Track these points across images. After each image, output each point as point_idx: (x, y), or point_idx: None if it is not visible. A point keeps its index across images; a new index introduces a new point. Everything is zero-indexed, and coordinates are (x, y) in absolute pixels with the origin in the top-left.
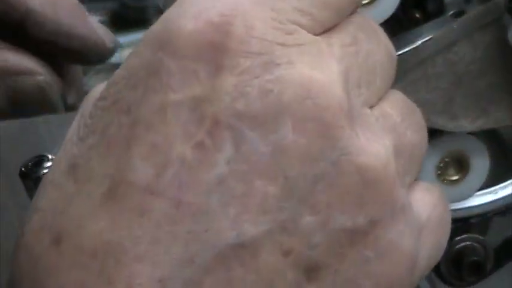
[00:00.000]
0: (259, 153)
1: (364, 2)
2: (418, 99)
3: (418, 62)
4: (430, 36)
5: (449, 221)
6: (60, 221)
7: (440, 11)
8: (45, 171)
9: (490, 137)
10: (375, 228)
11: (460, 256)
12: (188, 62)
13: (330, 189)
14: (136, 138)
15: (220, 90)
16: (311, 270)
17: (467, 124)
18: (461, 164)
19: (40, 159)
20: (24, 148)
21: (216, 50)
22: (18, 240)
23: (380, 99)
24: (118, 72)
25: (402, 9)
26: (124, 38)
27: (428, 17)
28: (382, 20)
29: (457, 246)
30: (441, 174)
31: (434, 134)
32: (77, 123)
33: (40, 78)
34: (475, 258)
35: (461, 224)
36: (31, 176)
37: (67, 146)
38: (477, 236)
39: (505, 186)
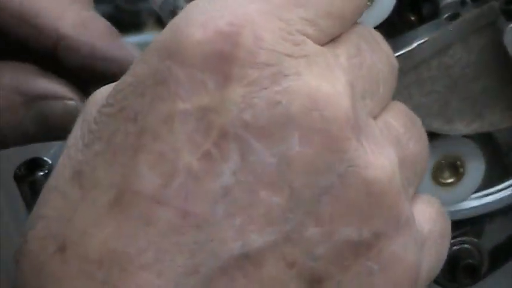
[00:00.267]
0: (265, 164)
1: None
2: (413, 103)
3: (413, 65)
4: (425, 39)
5: (450, 233)
6: (65, 228)
7: (435, 13)
8: (40, 173)
9: (485, 140)
10: (379, 241)
11: (455, 259)
12: (196, 71)
13: (335, 201)
14: (143, 147)
15: (228, 100)
16: (314, 282)
17: (462, 127)
18: (456, 167)
19: (35, 162)
20: (19, 150)
21: (224, 60)
22: (21, 247)
23: (382, 109)
24: (124, 78)
25: (397, 12)
26: None
27: (423, 19)
28: (377, 23)
29: (452, 249)
30: (436, 177)
31: (429, 137)
32: (79, 128)
33: (70, 103)
34: (470, 261)
35: (456, 226)
36: (26, 179)
37: (71, 152)
38: (472, 238)
39: (500, 189)
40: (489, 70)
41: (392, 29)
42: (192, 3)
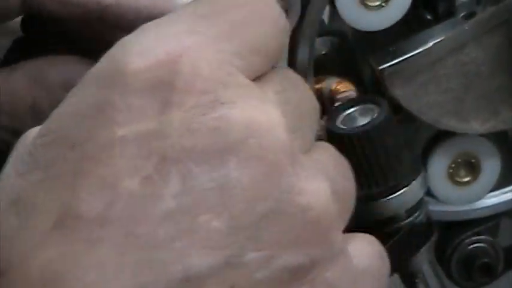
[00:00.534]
0: (205, 188)
1: (375, 4)
2: (428, 101)
3: (429, 63)
4: (442, 38)
5: (387, 274)
6: (6, 254)
7: (451, 12)
8: None
9: (501, 139)
10: (314, 268)
11: (470, 258)
12: (136, 98)
13: (273, 226)
14: (84, 173)
15: (167, 126)
16: None
17: (477, 126)
18: (472, 166)
19: None
20: None
21: (164, 87)
22: None
23: (310, 146)
24: (57, 110)
25: (413, 10)
26: None
27: (439, 18)
28: (393, 22)
29: (468, 248)
30: (452, 176)
31: (445, 135)
32: (12, 162)
33: None
34: (486, 260)
35: (472, 225)
36: None
37: (5, 183)
38: (488, 237)
39: None
40: (504, 68)
41: (408, 27)
42: (125, 37)
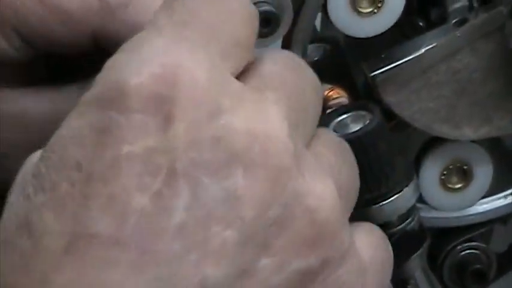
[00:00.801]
0: (215, 199)
1: (367, 11)
2: (421, 108)
3: (422, 70)
4: (434, 44)
5: (392, 262)
6: (22, 277)
7: (443, 19)
8: None
9: (493, 145)
10: (325, 268)
11: (463, 264)
12: (138, 115)
13: (283, 231)
14: (93, 193)
15: (172, 139)
16: None
17: (470, 133)
18: (464, 172)
19: None
20: None
21: (164, 101)
22: None
23: (312, 137)
24: (57, 133)
25: (405, 17)
26: None
27: (431, 24)
28: (385, 29)
29: (461, 254)
30: (444, 182)
31: (438, 142)
32: (18, 186)
33: None
34: (478, 266)
35: (464, 232)
36: None
37: (13, 206)
38: (480, 244)
39: (508, 194)
40: (497, 75)
41: (401, 34)
42: (113, 57)
